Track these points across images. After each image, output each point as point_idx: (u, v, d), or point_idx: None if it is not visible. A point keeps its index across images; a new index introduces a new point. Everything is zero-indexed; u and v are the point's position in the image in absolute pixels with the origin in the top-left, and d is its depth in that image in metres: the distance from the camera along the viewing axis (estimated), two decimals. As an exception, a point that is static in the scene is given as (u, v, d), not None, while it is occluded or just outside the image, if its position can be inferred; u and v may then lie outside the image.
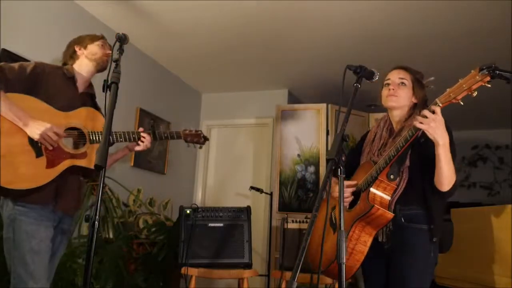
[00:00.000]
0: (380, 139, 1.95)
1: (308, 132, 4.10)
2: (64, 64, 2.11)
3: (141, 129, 2.10)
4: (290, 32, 3.56)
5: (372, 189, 1.77)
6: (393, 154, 1.70)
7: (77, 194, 2.01)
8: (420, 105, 1.90)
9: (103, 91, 1.59)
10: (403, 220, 1.78)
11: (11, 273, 1.79)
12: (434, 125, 1.55)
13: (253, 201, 4.48)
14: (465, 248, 3.02)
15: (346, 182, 1.91)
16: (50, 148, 1.81)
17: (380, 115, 4.22)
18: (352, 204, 1.89)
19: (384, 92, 1.95)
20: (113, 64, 1.67)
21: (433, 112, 1.55)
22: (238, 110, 5.08)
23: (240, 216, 3.07)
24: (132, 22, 3.46)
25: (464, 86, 1.50)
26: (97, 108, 2.10)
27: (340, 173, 1.47)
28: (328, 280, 2.88)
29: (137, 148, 2.11)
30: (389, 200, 1.76)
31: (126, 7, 3.25)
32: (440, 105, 1.55)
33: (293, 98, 5.08)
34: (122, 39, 1.76)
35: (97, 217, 1.41)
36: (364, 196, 1.80)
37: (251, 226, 3.07)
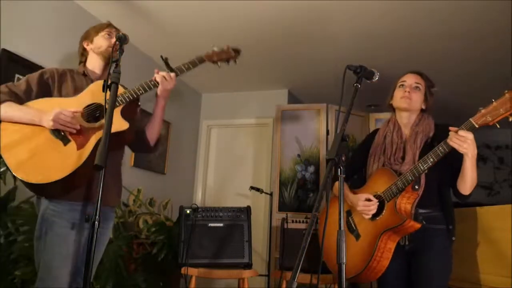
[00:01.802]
0: (391, 143, 2.02)
1: (308, 132, 4.10)
2: (80, 63, 2.07)
3: (156, 70, 1.95)
4: (290, 32, 3.56)
5: (398, 200, 1.86)
6: (422, 168, 1.76)
7: (112, 186, 1.91)
8: (427, 112, 2.02)
9: (103, 91, 1.59)
10: (424, 222, 1.86)
11: (37, 272, 1.76)
12: (466, 146, 1.63)
13: (253, 201, 4.48)
14: (465, 248, 3.02)
15: (367, 196, 1.94)
16: (73, 130, 1.77)
17: (380, 115, 4.22)
18: (377, 213, 1.93)
19: (398, 93, 2.03)
20: (113, 64, 1.67)
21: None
22: (238, 110, 5.08)
23: (240, 216, 3.07)
24: (132, 22, 3.46)
25: (501, 110, 1.53)
26: None
27: (340, 173, 1.47)
28: (328, 280, 2.88)
29: (160, 88, 1.94)
30: (411, 208, 1.86)
31: (126, 7, 3.25)
32: (476, 126, 1.60)
33: (293, 98, 5.08)
34: (122, 39, 1.75)
35: (97, 217, 1.41)
36: (391, 208, 1.86)
37: (251, 226, 3.06)
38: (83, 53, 2.06)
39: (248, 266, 2.94)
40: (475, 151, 1.67)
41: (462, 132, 1.63)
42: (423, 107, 2.02)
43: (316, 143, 4.06)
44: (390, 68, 4.12)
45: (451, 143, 1.66)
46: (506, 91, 1.55)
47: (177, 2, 3.16)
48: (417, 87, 2.00)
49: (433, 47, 3.68)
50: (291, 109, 4.32)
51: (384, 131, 2.08)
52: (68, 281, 1.72)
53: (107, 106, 1.53)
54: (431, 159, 1.74)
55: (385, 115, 4.16)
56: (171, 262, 3.24)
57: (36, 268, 1.78)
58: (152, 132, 2.10)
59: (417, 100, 2.00)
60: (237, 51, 2.13)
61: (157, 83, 1.93)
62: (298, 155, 4.08)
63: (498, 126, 1.55)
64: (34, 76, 1.91)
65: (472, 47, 3.60)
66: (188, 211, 2.99)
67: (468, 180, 1.77)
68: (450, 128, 1.67)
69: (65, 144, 1.77)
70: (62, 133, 1.77)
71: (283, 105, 4.54)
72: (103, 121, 1.79)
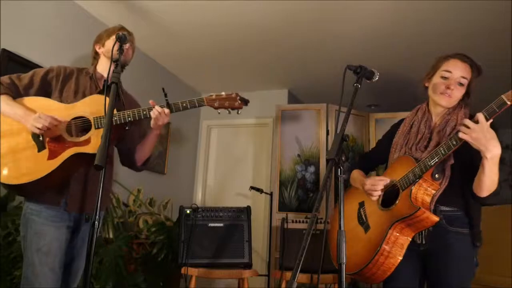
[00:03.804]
0: (417, 133, 1.82)
1: (308, 132, 4.10)
2: (92, 64, 2.09)
3: (151, 101, 1.91)
4: (290, 32, 3.56)
5: (414, 189, 1.66)
6: (443, 152, 1.56)
7: (94, 197, 1.91)
8: (465, 100, 1.78)
9: (103, 91, 1.59)
10: (445, 222, 1.68)
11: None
12: (476, 136, 1.44)
13: (253, 201, 4.48)
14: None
15: (379, 177, 1.82)
16: (44, 129, 1.75)
17: (380, 115, 4.22)
18: (387, 202, 1.78)
19: (440, 86, 1.76)
20: (113, 64, 1.68)
21: (477, 122, 1.45)
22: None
23: (240, 216, 3.07)
24: (132, 22, 3.46)
25: None
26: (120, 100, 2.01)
27: (340, 173, 1.45)
28: (328, 280, 2.88)
29: (153, 123, 1.91)
30: (430, 200, 1.66)
31: (127, 7, 3.25)
32: (508, 103, 1.41)
33: (293, 98, 5.08)
34: (122, 39, 1.76)
35: (97, 217, 1.42)
36: (405, 196, 1.67)
37: (251, 226, 3.07)
38: (95, 56, 2.08)
39: (248, 266, 2.94)
40: (496, 150, 1.45)
41: (466, 121, 1.46)
42: (461, 98, 1.77)
43: (316, 143, 4.05)
44: (391, 69, 4.14)
45: (459, 134, 1.47)
46: None
47: (177, 2, 3.16)
48: (461, 83, 1.73)
49: (434, 48, 3.68)
50: (291, 109, 4.32)
51: (411, 120, 1.87)
52: (51, 277, 1.74)
53: (106, 109, 1.53)
54: (453, 143, 1.53)
55: (385, 115, 4.17)
56: (171, 262, 3.24)
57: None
58: (142, 154, 2.10)
59: (458, 96, 1.74)
60: (244, 101, 2.03)
61: (149, 115, 1.89)
62: (298, 155, 4.08)
63: None
64: (39, 72, 1.94)
65: (472, 46, 3.59)
66: (188, 211, 2.99)
67: (482, 181, 1.54)
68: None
69: (39, 151, 1.79)
70: (41, 139, 1.79)
71: (283, 105, 4.53)
72: (84, 137, 1.82)
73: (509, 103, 1.40)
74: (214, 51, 4.00)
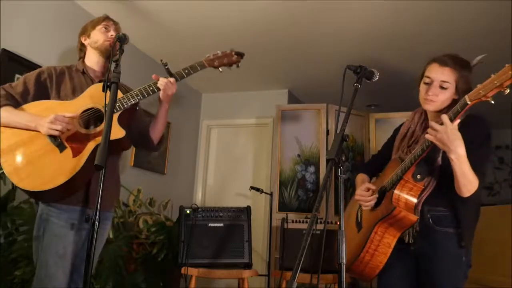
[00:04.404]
0: (412, 135, 1.84)
1: (308, 132, 4.10)
2: (80, 59, 2.06)
3: (154, 75, 1.94)
4: (290, 32, 3.56)
5: (395, 190, 1.69)
6: (418, 153, 1.60)
7: (110, 190, 1.90)
8: (459, 99, 1.73)
9: (103, 91, 1.59)
10: (431, 222, 1.69)
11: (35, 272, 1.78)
12: (440, 137, 1.46)
13: (253, 201, 4.48)
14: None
15: (367, 185, 1.87)
16: (64, 130, 1.73)
17: (380, 115, 4.22)
18: (378, 203, 1.82)
19: (422, 91, 1.77)
20: (113, 64, 1.67)
21: (442, 124, 1.46)
22: (238, 110, 5.08)
23: (240, 216, 3.07)
24: (132, 22, 3.46)
25: (495, 82, 1.36)
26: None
27: (340, 173, 1.45)
28: (328, 280, 2.89)
29: (163, 94, 1.93)
30: (416, 202, 1.67)
31: (126, 7, 3.25)
32: (469, 103, 1.43)
33: (293, 98, 5.08)
34: (122, 39, 1.75)
35: (97, 217, 1.42)
36: (389, 196, 1.71)
37: (251, 226, 3.07)
38: (82, 49, 2.05)
39: (248, 266, 2.94)
40: (459, 151, 1.46)
41: (432, 124, 1.50)
42: (455, 97, 1.73)
43: (316, 143, 4.06)
44: (391, 69, 4.14)
45: (426, 135, 1.52)
46: (508, 64, 1.40)
47: (176, 2, 3.16)
48: (443, 87, 1.71)
49: (434, 48, 3.68)
50: (291, 109, 4.32)
51: (409, 123, 1.90)
52: (64, 280, 1.74)
53: (106, 108, 1.52)
54: (427, 144, 1.56)
55: (385, 115, 4.17)
56: (171, 262, 3.24)
57: (35, 268, 1.79)
58: (156, 132, 2.11)
59: (444, 100, 1.72)
60: (240, 55, 2.09)
61: (157, 88, 1.92)
62: (298, 155, 4.08)
63: (492, 102, 1.39)
64: (31, 76, 1.90)
65: (472, 46, 3.60)
66: (188, 211, 2.99)
67: (458, 182, 1.54)
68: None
69: (61, 151, 1.76)
70: (59, 140, 1.76)
71: (283, 105, 4.54)
72: (101, 127, 1.79)
73: (469, 103, 1.43)
74: (214, 51, 3.99)
